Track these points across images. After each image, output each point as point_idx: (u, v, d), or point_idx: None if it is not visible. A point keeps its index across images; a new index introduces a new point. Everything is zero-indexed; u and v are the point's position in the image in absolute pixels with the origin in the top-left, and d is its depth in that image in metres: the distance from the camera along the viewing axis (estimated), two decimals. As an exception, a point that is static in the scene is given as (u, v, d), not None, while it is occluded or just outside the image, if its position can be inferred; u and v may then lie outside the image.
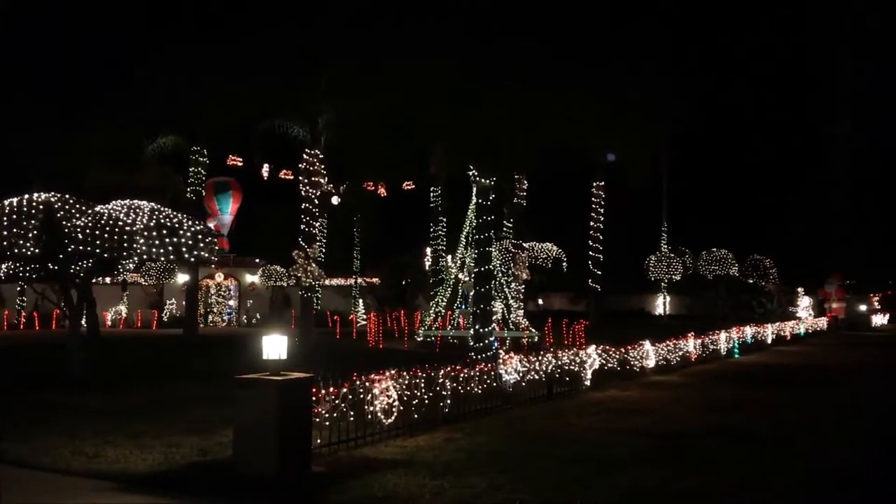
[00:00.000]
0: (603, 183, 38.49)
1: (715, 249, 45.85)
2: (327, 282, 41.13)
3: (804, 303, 51.04)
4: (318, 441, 9.77)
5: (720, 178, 62.18)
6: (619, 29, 26.02)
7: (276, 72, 25.89)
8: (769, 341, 32.35)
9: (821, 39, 50.66)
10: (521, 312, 31.45)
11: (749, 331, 29.75)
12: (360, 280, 46.03)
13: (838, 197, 53.51)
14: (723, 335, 26.27)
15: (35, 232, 15.48)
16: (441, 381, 12.10)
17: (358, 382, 10.53)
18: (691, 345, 23.23)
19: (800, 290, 51.15)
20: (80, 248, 15.60)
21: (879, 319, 54.85)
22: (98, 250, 15.62)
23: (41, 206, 15.83)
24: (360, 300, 44.79)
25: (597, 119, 26.05)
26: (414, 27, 21.94)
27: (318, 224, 30.27)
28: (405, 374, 11.37)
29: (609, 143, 31.66)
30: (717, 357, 25.36)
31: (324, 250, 38.90)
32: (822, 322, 45.94)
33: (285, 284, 44.08)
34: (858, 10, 49.30)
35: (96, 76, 30.13)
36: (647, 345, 20.07)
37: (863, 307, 56.74)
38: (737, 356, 26.76)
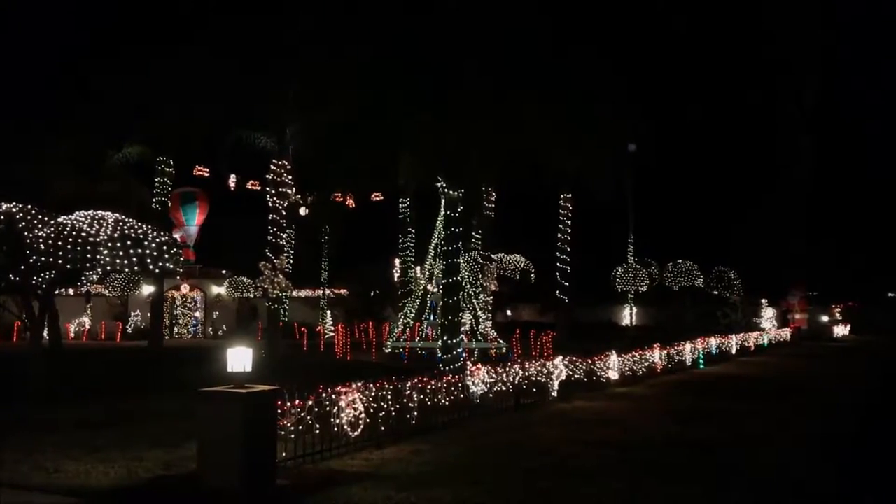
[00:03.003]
0: (570, 195, 38.77)
1: (680, 261, 46.40)
2: (295, 293, 40.87)
3: (768, 314, 51.75)
4: (284, 454, 9.70)
5: (684, 191, 62.99)
6: (583, 44, 26.22)
7: (244, 82, 25.73)
8: (734, 352, 32.74)
9: (784, 54, 51.48)
10: (489, 324, 31.51)
11: (714, 342, 30.09)
12: (328, 291, 45.84)
13: (798, 209, 54.37)
14: (688, 346, 26.54)
15: (-5, 243, 15.24)
16: (408, 392, 12.09)
17: (324, 395, 10.48)
18: (657, 355, 23.43)
19: (763, 301, 51.87)
20: (43, 259, 15.38)
21: (841, 330, 55.77)
22: (61, 261, 15.41)
23: (2, 217, 15.59)
24: (328, 312, 44.61)
25: (561, 134, 26.24)
26: (380, 38, 21.99)
27: (285, 235, 30.11)
28: (372, 386, 11.35)
29: (573, 158, 31.85)
30: (683, 367, 25.60)
31: (291, 261, 38.65)
32: (786, 333, 46.61)
33: (252, 296, 43.80)
34: (818, 27, 50.19)
35: (61, 84, 29.72)
36: (614, 356, 20.22)
37: (825, 318, 57.73)
38: (702, 367, 27.04)
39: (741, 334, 35.98)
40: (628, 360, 21.20)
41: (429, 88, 20.11)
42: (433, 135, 21.07)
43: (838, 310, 60.63)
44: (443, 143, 21.01)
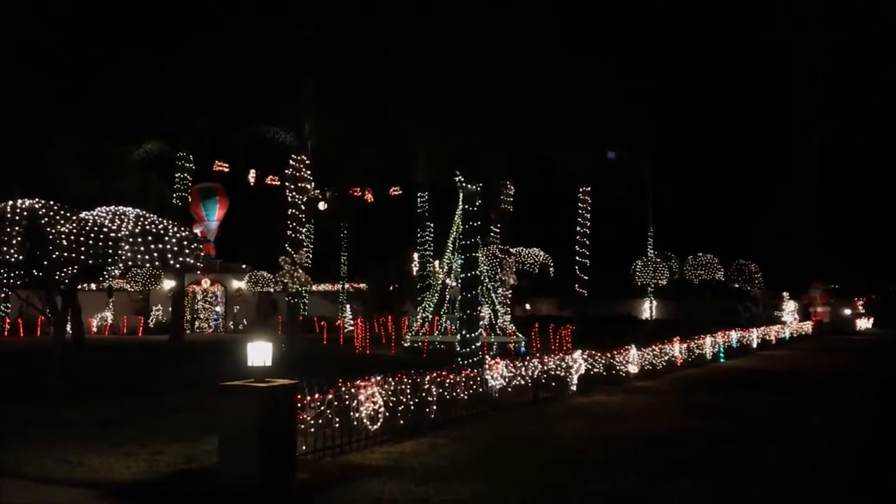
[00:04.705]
0: (589, 188, 38.60)
1: (701, 254, 46.10)
2: (314, 287, 41.07)
3: (789, 307, 51.35)
4: (303, 448, 9.75)
5: (705, 183, 62.59)
6: (588, 41, 26.10)
7: (263, 78, 25.86)
8: (755, 345, 32.54)
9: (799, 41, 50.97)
10: (508, 318, 31.50)
11: (734, 335, 29.90)
12: (347, 286, 46.00)
13: (816, 201, 54.01)
14: (708, 340, 26.40)
15: (19, 238, 15.39)
16: (427, 386, 12.12)
17: (343, 389, 10.53)
18: (677, 349, 23.33)
19: (785, 294, 51.47)
20: (65, 254, 15.53)
21: (863, 323, 55.26)
22: (83, 257, 15.55)
23: (25, 213, 15.74)
24: (347, 306, 44.77)
25: (565, 132, 26.15)
26: (392, 36, 22.02)
27: (304, 230, 30.22)
28: (391, 380, 11.38)
29: (580, 156, 31.69)
30: (703, 361, 25.47)
31: (311, 256, 38.80)
32: (807, 326, 46.24)
33: (272, 290, 44.06)
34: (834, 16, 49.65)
35: (84, 81, 29.94)
36: (633, 350, 20.16)
37: (847, 311, 57.21)
38: (722, 360, 26.89)
39: (762, 328, 35.74)
40: (648, 354, 21.12)
41: (436, 87, 20.16)
42: (441, 133, 21.14)
43: (861, 303, 60.03)
44: (450, 141, 21.07)
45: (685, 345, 24.12)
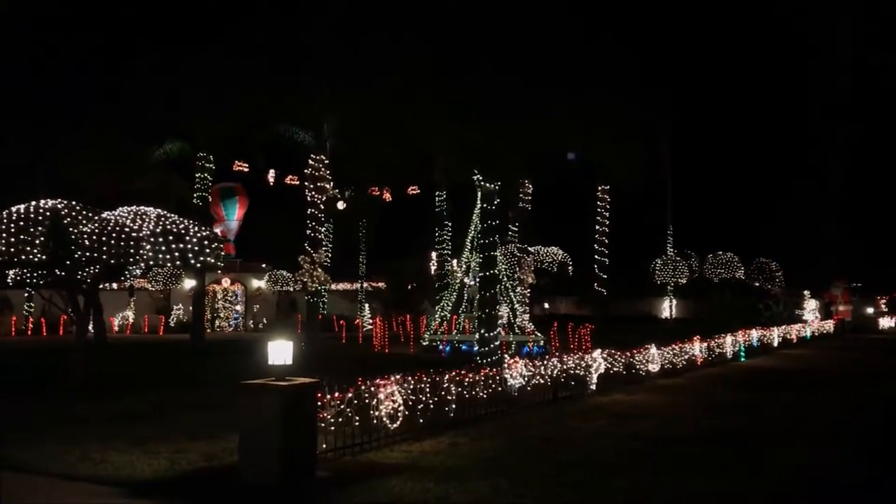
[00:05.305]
0: (608, 187, 38.44)
1: (721, 252, 45.75)
2: (333, 286, 41.21)
3: (810, 306, 50.90)
4: (324, 446, 9.79)
5: (725, 180, 62.21)
6: (615, 34, 26.01)
7: (282, 78, 25.99)
8: (775, 344, 32.29)
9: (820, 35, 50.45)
10: (526, 317, 31.44)
11: (755, 334, 29.70)
12: (365, 285, 46.12)
13: (838, 198, 53.50)
14: (729, 339, 26.23)
15: (42, 238, 15.59)
16: (446, 385, 12.13)
17: (363, 387, 10.56)
18: (697, 348, 23.21)
19: (806, 292, 51.02)
20: (87, 254, 15.70)
21: (886, 322, 54.63)
22: (105, 256, 15.72)
23: (48, 213, 15.94)
24: (366, 305, 44.89)
25: (591, 125, 26.04)
26: (409, 34, 22.06)
27: (323, 229, 30.30)
28: (410, 378, 11.41)
29: (597, 149, 31.52)
30: (724, 360, 25.32)
31: (329, 255, 38.97)
32: (829, 325, 45.81)
33: (291, 289, 44.27)
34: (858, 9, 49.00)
35: (105, 82, 30.24)
36: (653, 348, 20.07)
37: (869, 310, 56.60)
38: (743, 359, 26.71)
39: (783, 327, 35.46)
40: (667, 353, 21.02)
41: (454, 86, 20.17)
42: (459, 132, 21.14)
43: (884, 301, 59.34)
44: (468, 140, 21.07)
45: (705, 344, 23.98)
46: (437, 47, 20.47)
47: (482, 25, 20.36)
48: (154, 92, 27.44)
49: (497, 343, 21.46)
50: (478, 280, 24.40)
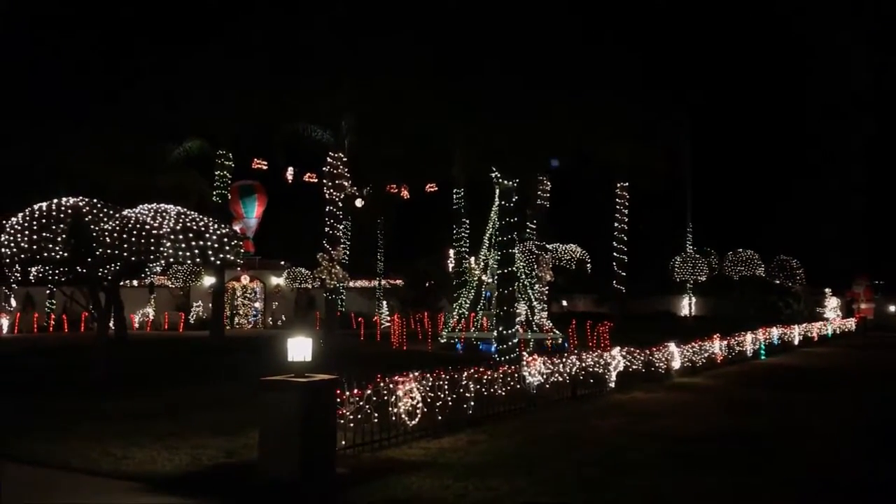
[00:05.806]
0: (627, 184, 38.26)
1: (741, 250, 45.39)
2: (351, 284, 41.29)
3: (832, 304, 50.45)
4: (343, 443, 9.83)
5: (745, 176, 61.81)
6: (615, 34, 25.82)
7: (300, 77, 26.08)
8: (796, 342, 32.04)
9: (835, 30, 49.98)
10: (545, 314, 31.36)
11: (776, 332, 29.47)
12: (383, 282, 46.18)
13: (861, 195, 52.99)
14: (749, 336, 26.05)
15: (64, 236, 15.73)
16: (465, 382, 12.13)
17: (382, 384, 10.58)
18: (717, 346, 23.06)
19: (827, 290, 50.56)
20: (108, 251, 15.82)
21: (910, 320, 54.04)
22: (125, 254, 15.82)
23: (69, 211, 16.07)
24: (384, 302, 44.95)
25: (608, 124, 25.88)
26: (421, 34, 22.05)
27: (341, 226, 30.40)
28: (429, 375, 11.41)
29: (614, 148, 31.34)
30: (744, 358, 25.16)
31: (348, 252, 39.05)
32: (851, 323, 45.37)
33: (310, 286, 44.38)
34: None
35: (125, 80, 30.43)
36: (672, 346, 19.95)
37: (892, 308, 55.95)
38: (763, 357, 26.53)
39: (804, 324, 35.17)
40: (687, 351, 20.89)
41: (472, 84, 20.15)
42: (477, 129, 21.12)
43: (907, 299, 58.70)
44: (486, 137, 21.05)
45: (725, 342, 23.82)
46: (458, 47, 20.42)
47: (482, 26, 20.33)
48: (175, 90, 27.64)
49: (515, 340, 21.42)
50: (496, 277, 24.36)
